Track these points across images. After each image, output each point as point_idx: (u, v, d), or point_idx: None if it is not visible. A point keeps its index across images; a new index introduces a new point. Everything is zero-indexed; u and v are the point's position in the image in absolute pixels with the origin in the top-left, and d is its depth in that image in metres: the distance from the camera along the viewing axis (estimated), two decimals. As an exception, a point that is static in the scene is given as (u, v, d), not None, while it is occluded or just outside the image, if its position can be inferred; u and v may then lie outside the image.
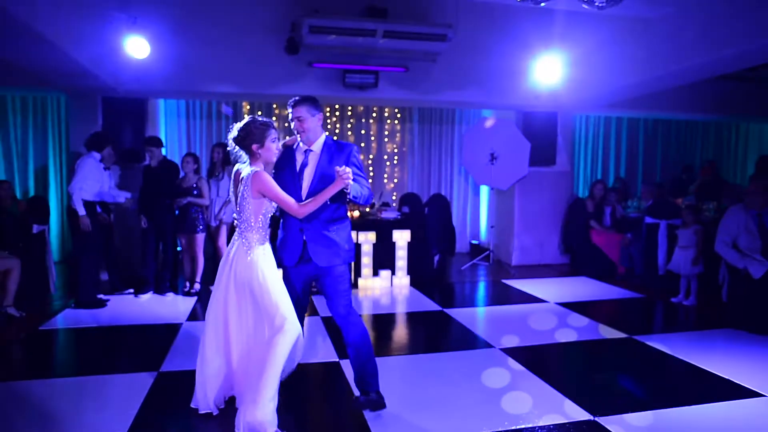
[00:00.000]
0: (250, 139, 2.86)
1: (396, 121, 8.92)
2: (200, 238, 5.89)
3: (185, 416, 3.13)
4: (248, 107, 8.41)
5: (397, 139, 8.95)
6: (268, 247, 2.97)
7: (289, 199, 2.86)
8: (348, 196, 2.90)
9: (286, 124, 8.51)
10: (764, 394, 3.37)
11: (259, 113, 8.42)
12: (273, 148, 2.90)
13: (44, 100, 7.48)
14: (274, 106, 8.46)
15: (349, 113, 8.71)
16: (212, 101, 8.24)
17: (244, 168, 2.92)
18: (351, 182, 2.81)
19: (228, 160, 6.11)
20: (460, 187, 9.27)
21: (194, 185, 5.83)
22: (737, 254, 4.78)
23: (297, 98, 3.00)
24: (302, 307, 3.15)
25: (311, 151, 3.03)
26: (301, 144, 3.05)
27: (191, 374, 3.63)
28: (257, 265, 2.86)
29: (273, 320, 2.82)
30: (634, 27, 5.69)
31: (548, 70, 6.35)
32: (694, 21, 4.98)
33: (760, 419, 3.07)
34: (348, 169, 2.78)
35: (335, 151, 3.02)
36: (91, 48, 5.23)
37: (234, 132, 2.90)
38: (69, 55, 4.75)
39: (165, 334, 4.57)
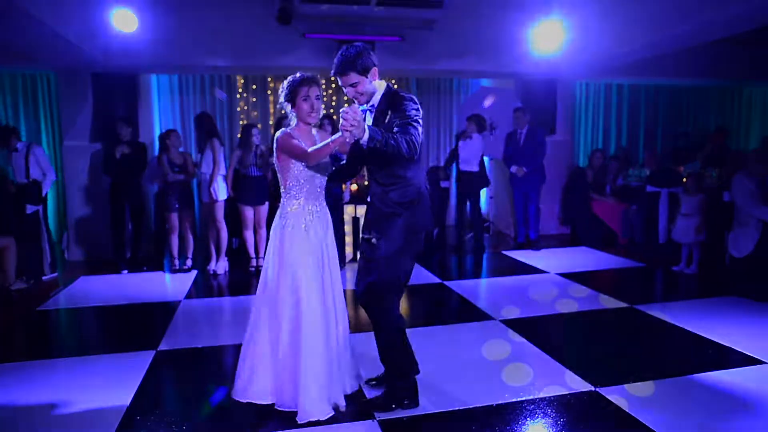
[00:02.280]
0: (285, 98, 2.76)
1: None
2: (188, 215, 6.04)
3: (184, 394, 3.12)
4: (242, 81, 8.25)
5: (395, 110, 8.80)
6: (299, 217, 2.74)
7: (302, 148, 2.68)
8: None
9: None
10: (765, 361, 3.35)
11: (254, 87, 8.27)
12: (304, 107, 2.72)
13: (33, 78, 7.32)
14: (269, 78, 8.29)
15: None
16: (205, 75, 8.07)
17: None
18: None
19: (212, 133, 5.95)
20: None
21: (182, 162, 5.90)
22: None
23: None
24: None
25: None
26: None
27: (190, 352, 3.65)
28: (278, 231, 2.76)
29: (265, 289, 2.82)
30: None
31: (548, 36, 6.19)
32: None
33: (761, 386, 3.05)
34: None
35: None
36: (77, 22, 5.08)
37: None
38: (54, 30, 4.61)
39: (163, 312, 4.54)
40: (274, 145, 2.76)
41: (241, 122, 8.26)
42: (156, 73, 7.57)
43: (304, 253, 2.71)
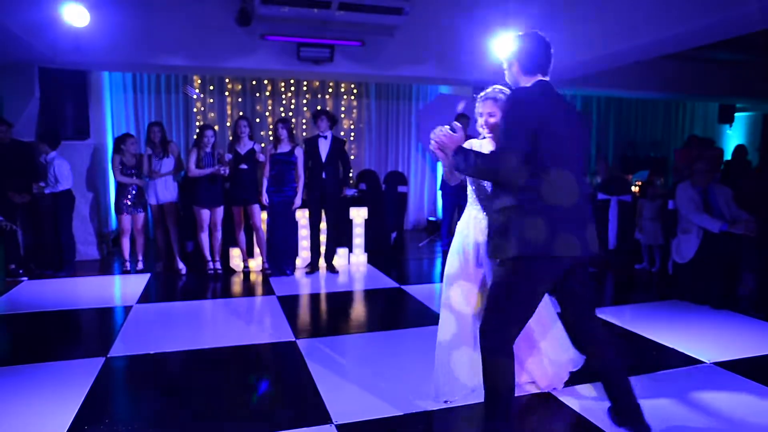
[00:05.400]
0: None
1: (353, 97, 8.78)
2: (140, 217, 5.90)
3: (135, 403, 3.03)
4: (199, 81, 8.10)
5: (354, 115, 8.82)
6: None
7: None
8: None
9: (240, 99, 8.26)
10: (705, 361, 3.53)
11: (211, 87, 8.12)
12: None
13: (-26, 70, 6.96)
14: (227, 80, 8.17)
15: (305, 89, 8.51)
16: (161, 74, 7.88)
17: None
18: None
19: (167, 139, 5.95)
20: (417, 163, 9.26)
21: (135, 164, 5.83)
22: (711, 218, 4.82)
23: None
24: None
25: None
26: None
27: (142, 359, 3.54)
28: None
29: None
30: (589, 2, 5.73)
31: (505, 45, 6.33)
32: (646, -2, 5.04)
33: (701, 384, 3.22)
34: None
35: None
36: (23, 14, 4.86)
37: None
38: (-3, 21, 4.40)
39: (114, 317, 4.40)
40: None
41: (197, 123, 8.10)
42: (108, 71, 7.34)
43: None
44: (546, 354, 2.99)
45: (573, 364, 3.02)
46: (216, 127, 7.17)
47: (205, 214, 5.70)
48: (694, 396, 3.07)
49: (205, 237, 5.79)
